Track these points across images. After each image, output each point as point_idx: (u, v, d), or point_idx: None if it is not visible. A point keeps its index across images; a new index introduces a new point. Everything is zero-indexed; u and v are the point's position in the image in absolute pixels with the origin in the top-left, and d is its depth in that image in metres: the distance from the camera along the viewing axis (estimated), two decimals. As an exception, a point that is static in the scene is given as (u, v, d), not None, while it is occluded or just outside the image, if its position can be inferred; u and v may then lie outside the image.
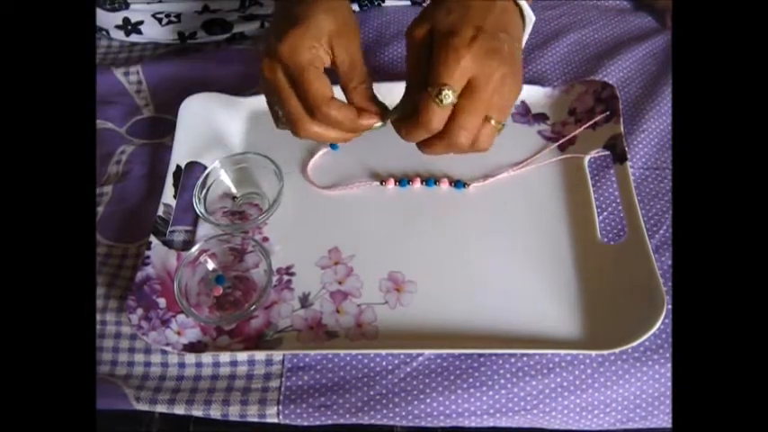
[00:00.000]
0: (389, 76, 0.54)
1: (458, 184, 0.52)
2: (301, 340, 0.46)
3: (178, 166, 0.53)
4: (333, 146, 0.55)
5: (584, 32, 0.63)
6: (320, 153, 0.55)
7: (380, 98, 0.44)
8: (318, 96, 0.41)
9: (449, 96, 0.39)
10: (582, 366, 0.44)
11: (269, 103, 0.46)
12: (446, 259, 0.49)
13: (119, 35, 0.65)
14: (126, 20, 0.63)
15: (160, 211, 0.50)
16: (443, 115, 0.40)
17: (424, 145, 0.43)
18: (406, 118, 0.42)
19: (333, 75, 0.43)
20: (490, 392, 0.43)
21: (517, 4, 0.43)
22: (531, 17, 0.44)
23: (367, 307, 0.47)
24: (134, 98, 0.61)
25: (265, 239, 0.51)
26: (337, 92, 0.43)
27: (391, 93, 0.46)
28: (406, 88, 0.43)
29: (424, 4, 0.66)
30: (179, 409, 0.44)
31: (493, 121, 0.41)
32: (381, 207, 0.52)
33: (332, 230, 0.51)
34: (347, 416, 0.43)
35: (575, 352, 0.44)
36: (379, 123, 0.44)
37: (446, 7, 0.40)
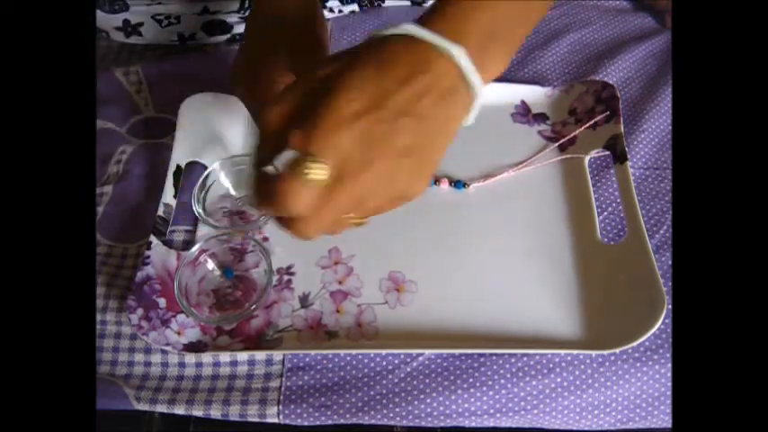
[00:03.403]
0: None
1: (458, 184, 0.52)
2: (301, 340, 0.46)
3: (178, 166, 0.53)
4: None
5: (584, 32, 0.63)
6: None
7: None
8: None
9: (319, 174, 0.28)
10: (582, 366, 0.44)
11: None
12: (446, 259, 0.49)
13: (119, 37, 0.65)
14: (126, 21, 0.63)
15: (160, 211, 0.50)
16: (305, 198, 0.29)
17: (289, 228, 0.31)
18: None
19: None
20: (490, 392, 0.43)
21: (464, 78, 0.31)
22: (479, 94, 0.32)
23: (367, 307, 0.47)
24: (134, 98, 0.61)
25: (265, 239, 0.51)
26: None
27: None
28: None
29: (425, 5, 0.66)
30: (179, 409, 0.44)
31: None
32: (381, 207, 0.52)
33: (332, 230, 0.51)
34: (347, 416, 0.43)
35: (575, 352, 0.44)
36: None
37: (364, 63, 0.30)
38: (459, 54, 0.30)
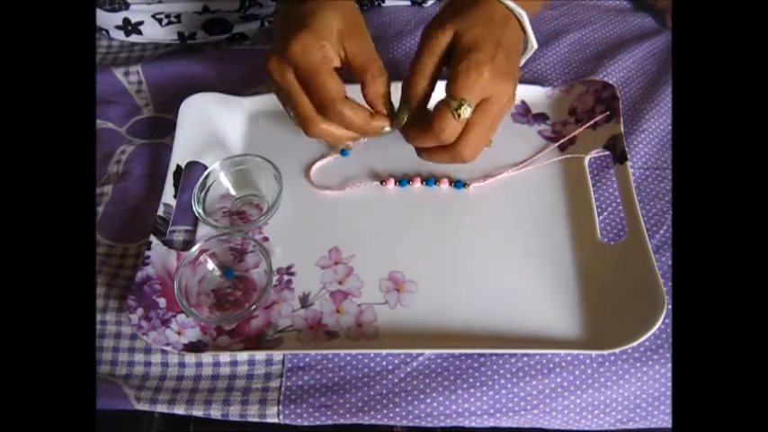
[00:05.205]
0: (390, 76, 0.54)
1: (458, 184, 0.52)
2: (301, 340, 0.46)
3: (178, 166, 0.53)
4: (343, 152, 0.54)
5: (584, 32, 0.63)
6: (327, 159, 0.54)
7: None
8: (332, 94, 0.42)
9: (467, 111, 0.40)
10: (582, 366, 0.44)
11: (281, 102, 0.46)
12: (446, 259, 0.49)
13: (119, 35, 0.65)
14: (126, 20, 0.63)
15: (160, 211, 0.50)
16: (458, 128, 0.42)
17: (426, 152, 0.46)
18: (416, 125, 0.44)
19: (344, 74, 0.43)
20: (490, 392, 0.43)
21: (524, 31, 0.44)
22: (533, 45, 0.45)
23: (367, 307, 0.47)
24: (134, 98, 0.61)
25: (265, 239, 0.51)
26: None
27: (393, 94, 0.46)
28: (411, 87, 0.44)
29: (425, 5, 0.66)
30: (179, 409, 0.44)
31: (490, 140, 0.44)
32: (381, 207, 0.52)
33: (332, 230, 0.51)
34: (347, 416, 0.43)
35: (575, 352, 0.44)
36: (389, 129, 0.45)
37: (471, 18, 0.41)
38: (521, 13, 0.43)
